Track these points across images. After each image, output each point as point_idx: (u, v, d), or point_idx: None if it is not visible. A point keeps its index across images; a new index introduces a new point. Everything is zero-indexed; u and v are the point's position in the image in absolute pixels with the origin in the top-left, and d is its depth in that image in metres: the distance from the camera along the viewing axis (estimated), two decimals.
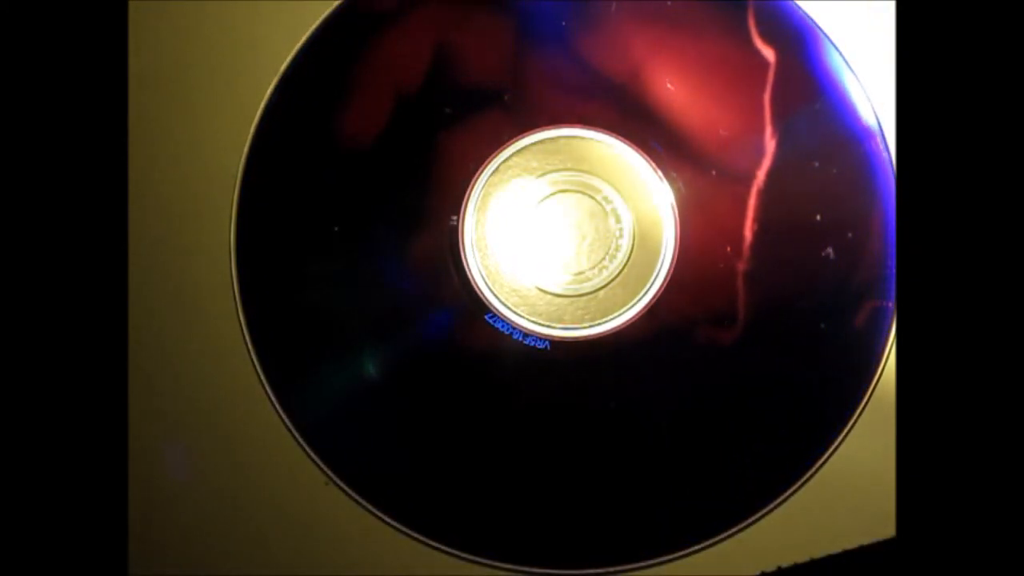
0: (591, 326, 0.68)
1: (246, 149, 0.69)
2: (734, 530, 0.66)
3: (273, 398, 0.67)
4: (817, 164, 0.68)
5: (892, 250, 0.67)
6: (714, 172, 0.68)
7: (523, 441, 0.67)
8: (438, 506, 0.67)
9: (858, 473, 0.66)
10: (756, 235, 0.68)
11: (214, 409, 0.69)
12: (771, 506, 0.66)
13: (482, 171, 0.70)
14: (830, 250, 0.67)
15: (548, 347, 0.68)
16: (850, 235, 0.67)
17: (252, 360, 0.68)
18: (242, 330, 0.68)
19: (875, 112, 0.69)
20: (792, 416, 0.67)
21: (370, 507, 0.67)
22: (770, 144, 0.69)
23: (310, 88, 0.70)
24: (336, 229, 0.68)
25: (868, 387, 0.66)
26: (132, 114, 0.70)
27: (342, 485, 0.67)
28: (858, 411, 0.66)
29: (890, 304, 0.67)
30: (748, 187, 0.68)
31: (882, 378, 0.67)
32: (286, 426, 0.67)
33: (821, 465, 0.66)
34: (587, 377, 0.68)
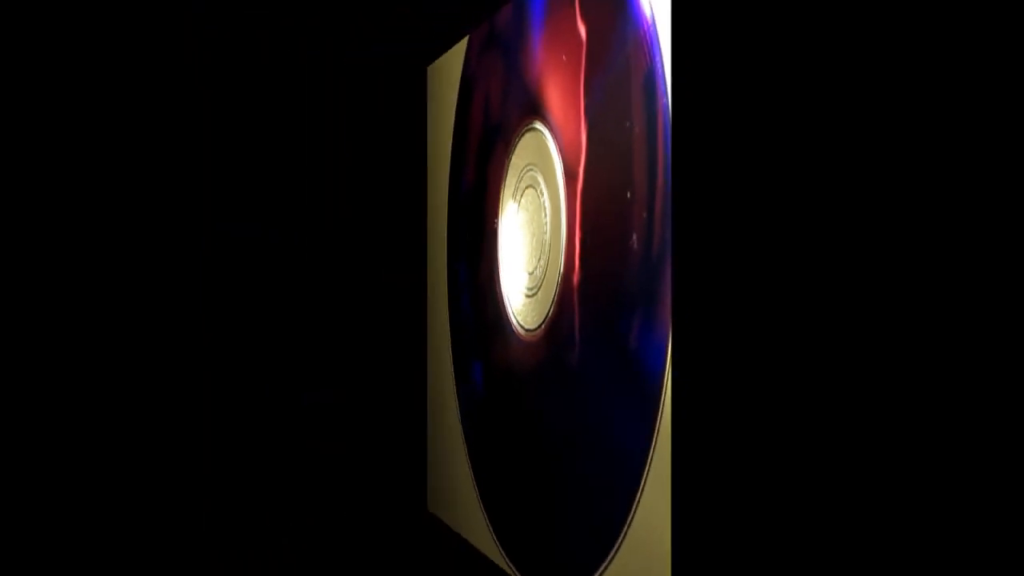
0: (535, 328, 0.68)
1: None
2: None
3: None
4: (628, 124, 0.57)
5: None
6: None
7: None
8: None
9: None
10: (584, 233, 0.63)
11: None
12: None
13: (505, 178, 0.73)
14: (634, 237, 0.56)
15: (521, 350, 0.70)
16: (645, 215, 0.56)
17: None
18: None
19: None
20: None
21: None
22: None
23: None
24: None
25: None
26: None
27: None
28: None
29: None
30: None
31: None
32: None
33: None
34: (523, 382, 0.70)
